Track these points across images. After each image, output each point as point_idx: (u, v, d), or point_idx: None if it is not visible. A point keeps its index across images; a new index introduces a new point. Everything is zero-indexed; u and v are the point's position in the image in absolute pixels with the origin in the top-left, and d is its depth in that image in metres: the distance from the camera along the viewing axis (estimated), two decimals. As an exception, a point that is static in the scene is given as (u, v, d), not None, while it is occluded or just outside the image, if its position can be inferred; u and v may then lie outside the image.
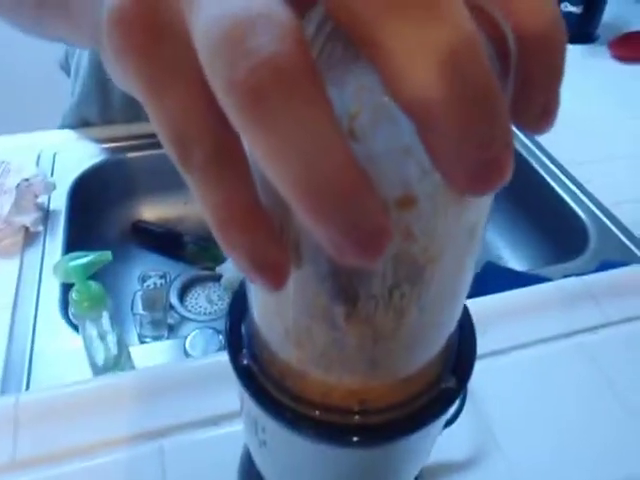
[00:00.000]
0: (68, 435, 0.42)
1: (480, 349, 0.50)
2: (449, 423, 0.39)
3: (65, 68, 0.93)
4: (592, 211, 0.76)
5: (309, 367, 0.23)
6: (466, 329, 0.28)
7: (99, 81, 0.83)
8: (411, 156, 0.15)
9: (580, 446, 0.45)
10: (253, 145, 0.13)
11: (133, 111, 0.85)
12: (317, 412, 0.24)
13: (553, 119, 0.15)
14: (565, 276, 0.65)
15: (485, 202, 0.18)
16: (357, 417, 0.24)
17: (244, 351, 0.26)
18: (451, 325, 0.24)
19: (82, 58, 0.84)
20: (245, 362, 0.26)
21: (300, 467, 0.30)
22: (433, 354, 0.24)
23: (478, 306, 0.53)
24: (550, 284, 0.58)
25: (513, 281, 0.66)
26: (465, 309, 0.28)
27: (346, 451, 0.27)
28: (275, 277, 0.16)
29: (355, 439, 0.24)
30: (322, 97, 0.12)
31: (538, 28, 0.14)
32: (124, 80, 0.16)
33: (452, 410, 0.36)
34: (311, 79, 0.12)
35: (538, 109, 0.15)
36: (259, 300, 0.23)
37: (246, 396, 0.26)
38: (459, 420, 0.45)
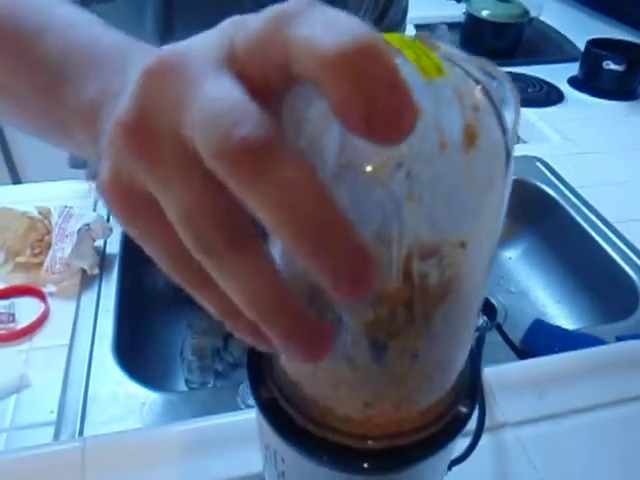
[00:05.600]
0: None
1: (537, 412, 0.50)
2: (462, 459, 0.40)
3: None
4: (642, 270, 0.75)
5: (334, 403, 0.24)
6: (475, 359, 0.30)
7: None
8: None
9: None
10: (246, 197, 0.16)
11: None
12: (337, 437, 0.25)
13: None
14: (617, 336, 0.64)
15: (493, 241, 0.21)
16: (370, 442, 0.25)
17: (264, 385, 0.27)
18: (466, 353, 0.26)
19: None
20: (266, 395, 0.27)
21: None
22: (450, 385, 0.26)
23: (535, 368, 0.53)
24: (609, 346, 0.57)
25: (564, 340, 0.65)
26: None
27: (361, 478, 0.27)
28: (320, 345, 0.18)
29: (366, 465, 0.25)
30: (292, 157, 0.16)
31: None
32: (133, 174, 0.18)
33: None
34: (278, 146, 0.16)
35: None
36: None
37: (266, 428, 0.27)
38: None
